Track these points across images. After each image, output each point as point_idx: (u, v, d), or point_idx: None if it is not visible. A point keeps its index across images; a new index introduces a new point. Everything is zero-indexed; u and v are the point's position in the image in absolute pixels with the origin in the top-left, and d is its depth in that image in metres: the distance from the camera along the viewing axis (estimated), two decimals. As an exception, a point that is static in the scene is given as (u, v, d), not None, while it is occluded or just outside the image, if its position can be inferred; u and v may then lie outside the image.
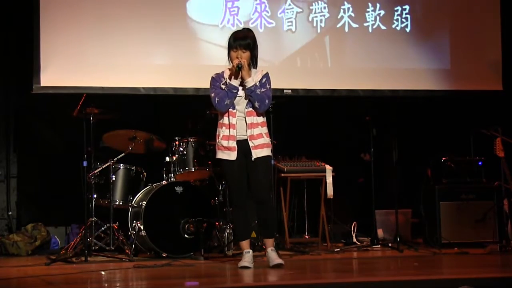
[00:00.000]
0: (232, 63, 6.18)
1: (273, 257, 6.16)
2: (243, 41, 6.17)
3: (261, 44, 8.22)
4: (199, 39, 8.23)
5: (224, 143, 6.17)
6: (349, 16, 8.57)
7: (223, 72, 6.27)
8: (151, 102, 8.41)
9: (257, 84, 6.16)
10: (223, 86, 6.15)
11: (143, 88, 8.13)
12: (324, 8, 8.53)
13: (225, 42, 6.27)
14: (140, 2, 8.16)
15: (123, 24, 8.10)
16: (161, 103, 8.45)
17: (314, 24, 8.52)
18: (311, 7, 8.51)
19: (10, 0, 8.20)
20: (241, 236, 6.31)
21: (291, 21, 8.46)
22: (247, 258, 6.17)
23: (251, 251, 6.24)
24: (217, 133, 6.26)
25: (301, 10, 8.48)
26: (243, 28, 6.37)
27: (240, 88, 6.17)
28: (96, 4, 8.04)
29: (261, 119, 6.24)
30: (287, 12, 8.46)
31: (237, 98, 6.18)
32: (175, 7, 8.24)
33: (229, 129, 6.16)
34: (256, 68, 6.28)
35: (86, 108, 7.06)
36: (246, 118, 6.18)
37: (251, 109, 6.19)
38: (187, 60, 8.18)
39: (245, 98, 6.18)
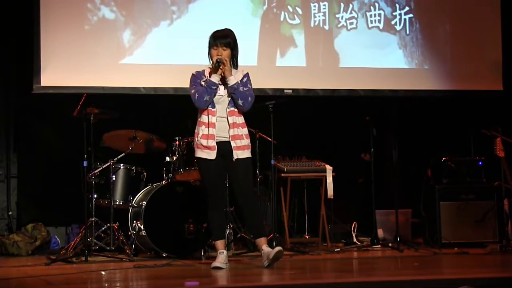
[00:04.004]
0: (212, 60, 6.22)
1: (269, 250, 6.10)
2: (223, 39, 6.22)
3: (262, 43, 8.35)
4: (199, 38, 8.21)
5: (204, 142, 6.19)
6: (350, 16, 8.58)
7: (204, 70, 6.31)
8: (151, 102, 8.41)
9: (239, 82, 6.19)
10: (203, 83, 6.18)
11: (143, 88, 8.14)
12: (324, 8, 8.53)
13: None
14: (139, 2, 8.17)
15: (123, 24, 8.10)
16: (161, 103, 8.45)
17: (315, 24, 8.52)
18: (312, 7, 8.51)
19: (10, 0, 8.20)
20: (216, 236, 6.32)
21: (292, 21, 8.45)
22: (221, 259, 6.15)
23: (225, 251, 6.24)
24: (196, 132, 6.28)
25: (302, 10, 8.48)
26: (224, 28, 6.37)
27: (222, 87, 6.20)
28: (96, 4, 8.04)
29: (242, 120, 6.27)
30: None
31: (217, 97, 6.20)
32: (176, 6, 8.25)
33: (208, 128, 6.18)
34: (237, 69, 6.31)
35: (86, 108, 7.05)
36: (228, 117, 6.20)
37: (233, 108, 6.22)
38: (187, 60, 8.17)
39: (228, 97, 6.20)
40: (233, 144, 6.20)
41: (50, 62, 7.90)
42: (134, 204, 7.32)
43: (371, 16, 8.64)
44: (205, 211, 6.36)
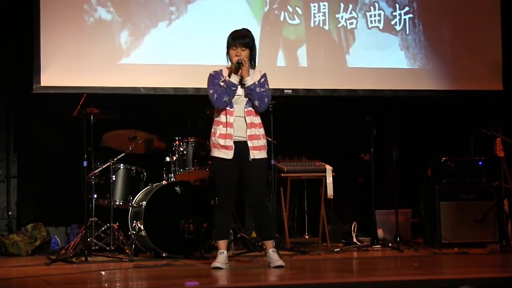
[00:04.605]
0: (231, 61, 6.20)
1: (275, 258, 6.16)
2: (242, 39, 6.19)
3: (262, 43, 8.35)
4: (199, 38, 8.22)
5: (221, 141, 6.16)
6: (349, 17, 8.57)
7: (221, 70, 6.28)
8: (151, 102, 8.41)
9: (256, 83, 6.18)
10: (222, 83, 6.15)
11: (143, 88, 8.14)
12: (324, 8, 8.53)
13: (226, 42, 6.28)
14: (137, 3, 8.17)
15: (122, 24, 8.10)
16: (161, 103, 8.45)
17: (315, 24, 8.52)
18: (312, 8, 8.51)
19: (10, 0, 8.20)
20: (220, 236, 6.30)
21: (292, 21, 8.45)
22: (221, 259, 6.14)
23: (225, 252, 6.23)
24: (212, 131, 6.23)
25: (302, 10, 8.49)
26: (242, 28, 6.36)
27: (239, 87, 6.17)
28: (92, 5, 8.04)
29: (259, 120, 6.26)
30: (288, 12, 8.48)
31: (235, 97, 6.18)
32: (174, 7, 8.25)
33: (226, 127, 6.16)
34: (254, 69, 6.29)
35: (86, 108, 7.06)
36: (246, 117, 6.19)
37: (250, 108, 6.20)
38: (187, 60, 8.17)
39: (245, 97, 6.19)
40: (250, 144, 6.18)
41: (50, 62, 7.90)
42: (134, 204, 7.32)
43: (371, 16, 8.63)
44: (205, 211, 6.37)
